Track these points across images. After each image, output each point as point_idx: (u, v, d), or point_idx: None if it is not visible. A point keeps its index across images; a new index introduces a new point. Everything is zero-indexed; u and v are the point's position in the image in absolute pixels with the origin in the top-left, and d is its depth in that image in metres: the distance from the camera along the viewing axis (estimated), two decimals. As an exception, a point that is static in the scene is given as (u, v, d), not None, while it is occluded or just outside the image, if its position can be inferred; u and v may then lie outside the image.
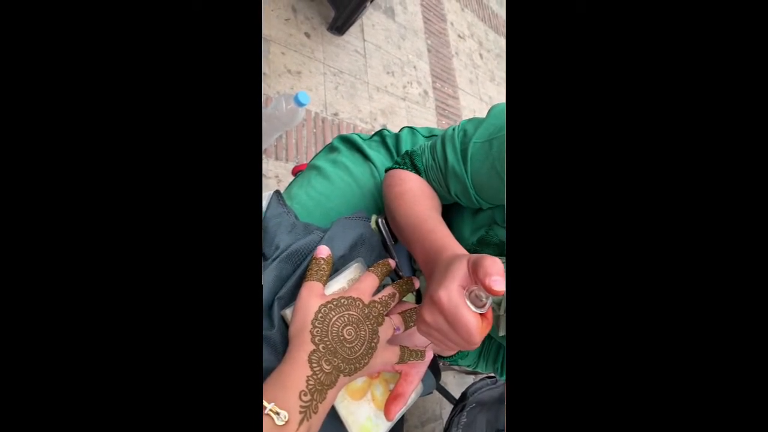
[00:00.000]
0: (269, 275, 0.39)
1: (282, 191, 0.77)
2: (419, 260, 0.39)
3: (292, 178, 1.22)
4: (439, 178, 0.48)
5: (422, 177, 0.49)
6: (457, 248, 0.36)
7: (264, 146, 1.18)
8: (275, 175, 1.22)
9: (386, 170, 0.53)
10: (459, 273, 0.30)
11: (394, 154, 0.60)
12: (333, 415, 0.39)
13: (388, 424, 0.39)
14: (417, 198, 0.45)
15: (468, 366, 0.59)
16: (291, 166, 1.27)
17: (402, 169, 0.50)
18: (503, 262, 0.31)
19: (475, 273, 0.29)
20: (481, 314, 0.30)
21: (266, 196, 0.91)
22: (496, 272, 0.27)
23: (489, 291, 0.27)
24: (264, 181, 1.19)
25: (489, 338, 0.56)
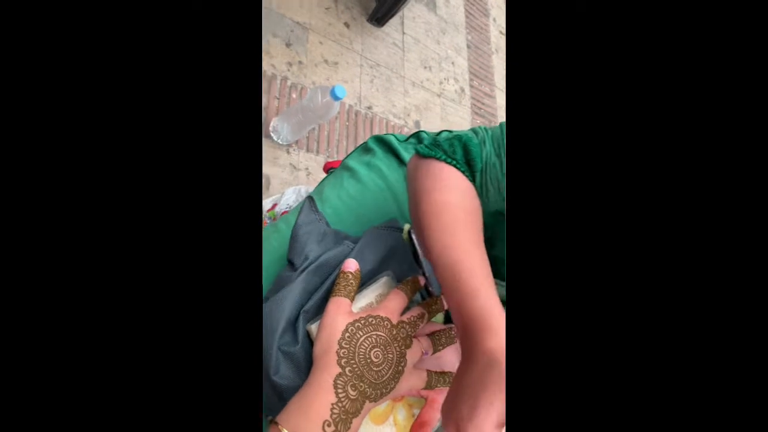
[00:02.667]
0: (297, 287, 0.37)
1: (312, 188, 0.76)
2: (452, 312, 0.32)
3: (321, 170, 1.21)
4: (501, 182, 0.37)
5: (468, 178, 0.37)
6: (500, 337, 0.28)
7: (296, 138, 1.17)
8: (306, 167, 1.21)
9: (419, 154, 0.39)
10: (496, 406, 0.25)
11: None
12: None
13: (409, 452, 0.37)
14: (460, 222, 0.34)
15: None
16: (321, 158, 1.26)
17: (445, 162, 0.37)
18: None
19: None
20: None
21: (293, 190, 0.90)
22: None
23: None
24: (294, 173, 1.19)
25: None
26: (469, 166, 0.37)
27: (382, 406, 0.38)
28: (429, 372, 0.38)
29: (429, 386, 0.37)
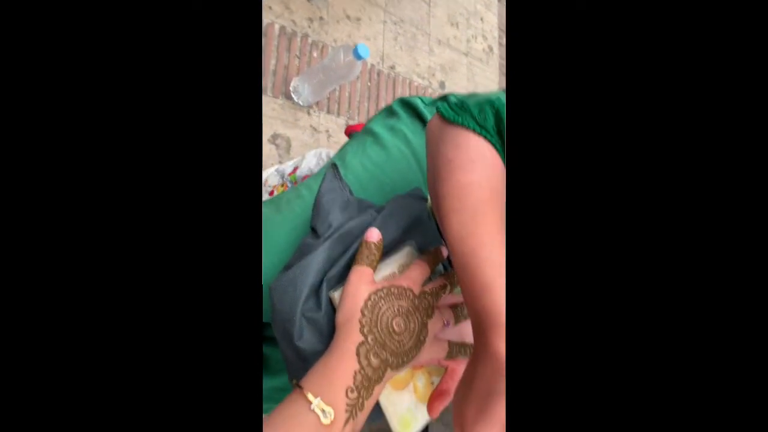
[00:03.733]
0: (320, 255, 0.37)
1: (333, 152, 0.74)
2: (467, 306, 0.30)
3: (341, 132, 1.18)
4: None
5: (500, 152, 0.32)
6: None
7: (317, 99, 1.15)
8: (326, 129, 1.19)
9: (441, 115, 0.34)
10: (499, 419, 0.24)
11: None
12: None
13: (428, 418, 0.38)
14: (483, 207, 0.30)
15: None
16: (342, 120, 1.23)
17: (474, 131, 0.32)
18: None
19: None
20: None
21: (314, 153, 0.89)
22: None
23: None
24: (315, 135, 1.17)
25: None
26: (501, 137, 0.32)
27: (402, 373, 0.39)
28: (450, 342, 0.38)
29: (450, 356, 0.37)
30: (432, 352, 0.36)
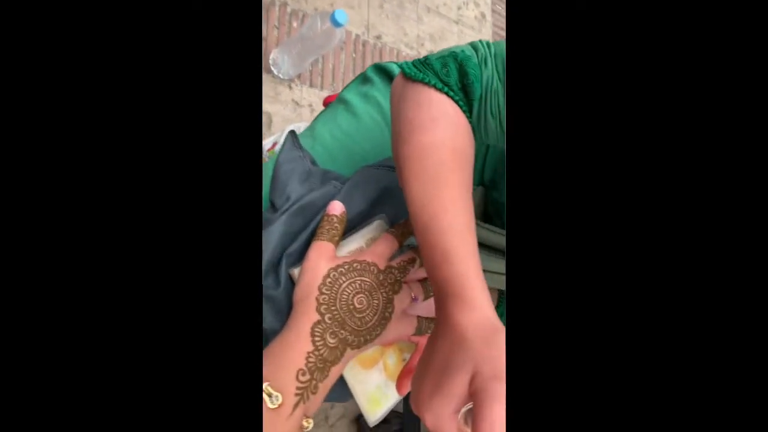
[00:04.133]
0: (277, 229, 0.34)
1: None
2: (428, 273, 0.28)
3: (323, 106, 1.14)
4: (503, 113, 0.31)
5: (463, 109, 0.31)
6: (473, 309, 0.24)
7: (298, 71, 1.10)
8: (309, 103, 1.15)
9: (403, 73, 0.32)
10: (455, 392, 0.22)
11: None
12: (340, 379, 0.36)
13: (399, 397, 0.37)
14: (445, 169, 0.28)
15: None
16: (326, 94, 1.18)
17: (435, 87, 0.30)
18: None
19: (475, 407, 0.21)
20: None
21: (294, 127, 0.86)
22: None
23: None
24: (297, 109, 1.13)
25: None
26: (465, 93, 0.31)
27: (371, 351, 0.37)
28: (419, 318, 0.36)
29: (419, 332, 0.36)
30: (399, 328, 0.34)
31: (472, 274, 0.25)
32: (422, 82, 0.30)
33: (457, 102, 0.30)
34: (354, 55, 1.28)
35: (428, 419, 0.23)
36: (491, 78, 0.30)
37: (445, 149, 0.29)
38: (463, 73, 0.30)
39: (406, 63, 0.33)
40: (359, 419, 1.04)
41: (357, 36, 1.29)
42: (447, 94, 0.30)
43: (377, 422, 0.36)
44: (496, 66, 0.30)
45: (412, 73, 0.31)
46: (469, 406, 0.22)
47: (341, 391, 0.37)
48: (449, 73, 0.30)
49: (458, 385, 0.22)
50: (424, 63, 0.31)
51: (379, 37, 1.34)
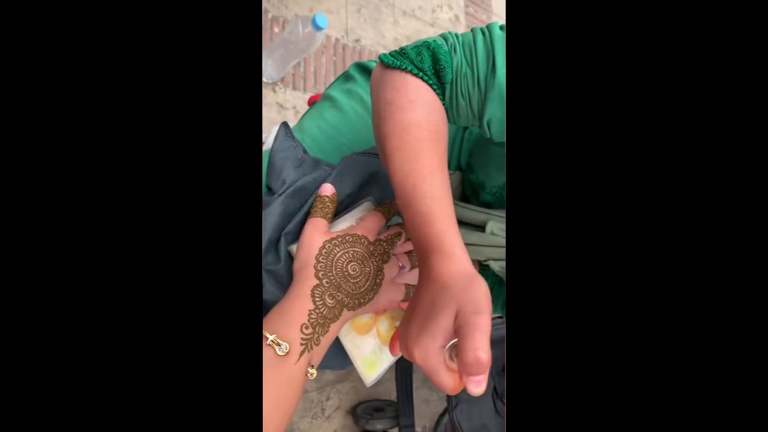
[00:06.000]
0: (275, 210, 0.38)
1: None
2: (410, 235, 0.32)
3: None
4: (472, 95, 0.34)
5: (437, 92, 0.35)
6: (453, 262, 0.28)
7: (280, 75, 1.13)
8: (293, 106, 1.18)
9: (381, 62, 0.36)
10: (441, 328, 0.25)
11: None
12: (339, 348, 0.40)
13: (392, 359, 0.40)
14: (423, 145, 0.32)
15: None
16: (309, 96, 1.22)
17: (411, 73, 0.34)
18: None
19: (460, 340, 0.24)
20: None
21: (276, 128, 0.89)
22: (481, 361, 0.22)
23: (467, 386, 0.23)
24: (281, 112, 1.16)
25: (495, 284, 0.55)
26: (438, 78, 0.34)
27: (365, 318, 0.41)
28: (407, 286, 0.40)
29: (407, 299, 0.39)
30: (390, 294, 0.38)
31: (452, 232, 0.29)
32: (399, 68, 0.34)
33: (431, 85, 0.34)
34: (334, 57, 1.31)
35: (417, 355, 0.26)
36: (460, 63, 0.34)
37: (422, 127, 0.32)
38: (435, 60, 0.34)
39: (384, 54, 0.37)
40: (355, 409, 1.07)
41: (337, 40, 1.33)
42: (422, 78, 0.34)
43: (373, 383, 0.40)
44: (464, 53, 0.34)
45: (390, 61, 0.35)
46: (454, 341, 0.25)
47: (341, 358, 0.40)
48: (423, 60, 0.34)
49: (443, 322, 0.25)
50: (400, 52, 0.35)
51: (358, 41, 1.39)
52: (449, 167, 0.52)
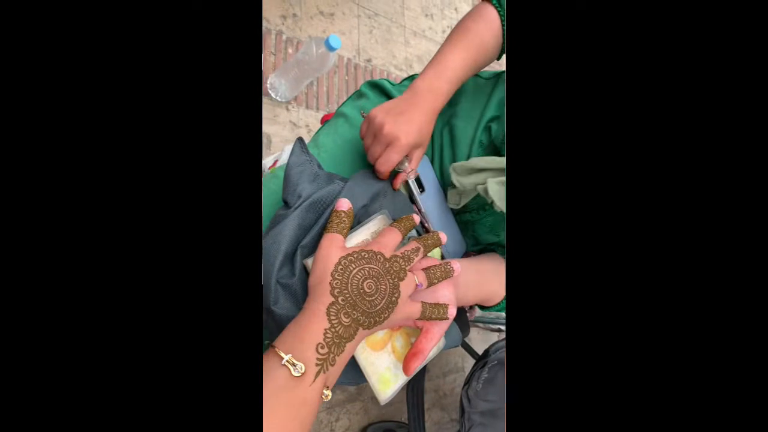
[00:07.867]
0: (291, 223, 0.38)
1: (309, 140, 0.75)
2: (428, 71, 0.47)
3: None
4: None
5: (502, 19, 0.49)
6: (437, 80, 0.45)
7: (294, 94, 1.15)
8: (306, 124, 1.20)
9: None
10: (412, 121, 0.43)
11: None
12: (353, 364, 0.39)
13: (406, 378, 0.39)
14: (470, 44, 0.47)
15: (499, 310, 0.57)
16: (322, 114, 1.24)
17: (490, 2, 0.49)
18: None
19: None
20: None
21: (292, 144, 0.90)
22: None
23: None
24: (294, 130, 1.18)
25: (498, 221, 0.54)
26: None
27: (380, 335, 0.40)
28: (424, 303, 0.39)
29: (424, 317, 0.39)
30: (405, 312, 0.37)
31: (458, 68, 0.46)
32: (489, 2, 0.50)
33: (499, 12, 0.49)
34: (347, 77, 1.34)
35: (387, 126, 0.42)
36: None
37: (476, 34, 0.48)
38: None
39: None
40: (365, 430, 1.04)
41: (349, 60, 1.36)
42: (494, 6, 0.49)
43: (388, 400, 0.38)
44: None
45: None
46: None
47: (355, 374, 0.39)
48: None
49: (416, 116, 0.43)
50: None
51: (369, 60, 1.41)
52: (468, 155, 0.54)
